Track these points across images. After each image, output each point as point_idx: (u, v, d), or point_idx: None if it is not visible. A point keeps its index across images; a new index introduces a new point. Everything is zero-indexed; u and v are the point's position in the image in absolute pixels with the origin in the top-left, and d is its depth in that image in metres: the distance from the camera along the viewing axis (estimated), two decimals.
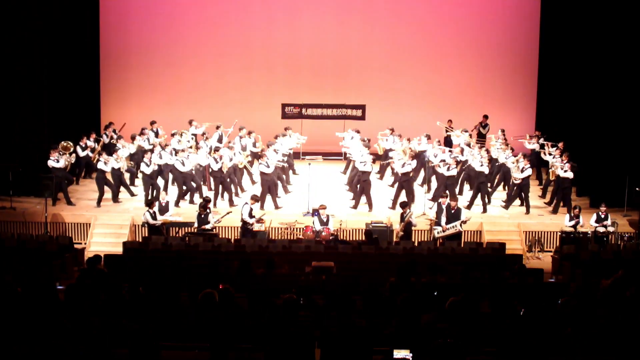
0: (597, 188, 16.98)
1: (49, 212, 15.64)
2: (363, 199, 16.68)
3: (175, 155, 16.95)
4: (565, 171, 16.34)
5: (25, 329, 7.07)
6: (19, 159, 17.12)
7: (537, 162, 18.51)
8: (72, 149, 17.17)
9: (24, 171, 16.95)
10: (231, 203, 16.59)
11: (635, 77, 17.20)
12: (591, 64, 18.16)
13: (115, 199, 16.75)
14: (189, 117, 19.46)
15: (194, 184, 16.96)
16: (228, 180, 16.82)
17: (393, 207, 16.41)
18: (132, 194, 17.27)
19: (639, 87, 17.22)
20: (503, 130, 18.93)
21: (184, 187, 16.88)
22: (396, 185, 16.95)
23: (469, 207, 16.46)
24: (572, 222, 15.14)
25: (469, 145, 18.01)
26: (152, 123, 19.02)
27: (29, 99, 18.03)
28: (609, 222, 15.06)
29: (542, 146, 18.20)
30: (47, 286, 8.93)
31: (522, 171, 16.39)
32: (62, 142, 17.02)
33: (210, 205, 15.33)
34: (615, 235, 15.19)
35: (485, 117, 20.27)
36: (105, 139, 18.50)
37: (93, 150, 17.97)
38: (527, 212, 16.57)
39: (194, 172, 16.99)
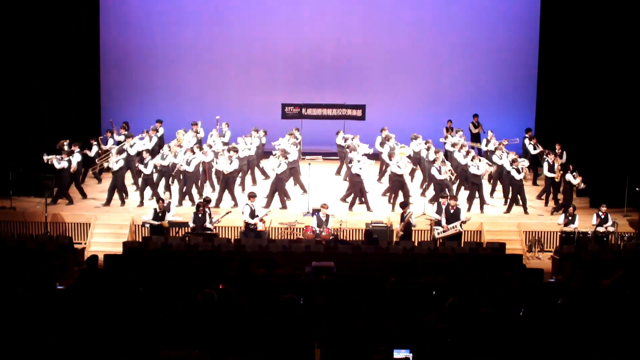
0: (597, 188, 16.98)
1: (49, 212, 15.63)
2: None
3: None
4: (575, 177, 16.37)
5: (25, 329, 7.07)
6: (19, 159, 17.11)
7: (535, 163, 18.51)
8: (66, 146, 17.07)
9: (24, 171, 16.94)
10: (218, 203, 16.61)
11: (635, 77, 17.21)
12: (591, 64, 18.18)
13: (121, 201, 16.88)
14: (189, 117, 19.46)
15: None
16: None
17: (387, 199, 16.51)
18: (84, 196, 17.05)
19: (639, 87, 17.23)
20: (492, 131, 19.04)
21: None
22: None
23: (468, 209, 16.49)
24: (564, 220, 15.14)
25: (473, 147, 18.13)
26: (159, 121, 19.05)
27: (29, 99, 18.05)
28: (610, 222, 15.05)
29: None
30: (47, 286, 8.94)
31: (518, 172, 16.42)
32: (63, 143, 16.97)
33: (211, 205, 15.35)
34: (615, 235, 15.18)
35: (475, 115, 20.34)
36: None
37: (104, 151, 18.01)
38: (525, 212, 16.58)
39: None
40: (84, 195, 17.15)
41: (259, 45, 21.50)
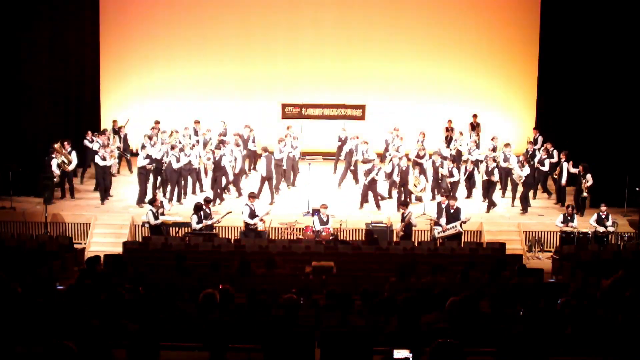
0: (597, 188, 16.98)
1: (49, 212, 15.63)
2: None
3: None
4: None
5: (25, 329, 7.07)
6: (19, 159, 17.11)
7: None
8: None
9: (24, 171, 16.94)
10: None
11: (635, 77, 17.20)
12: (591, 63, 18.16)
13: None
14: (188, 117, 19.47)
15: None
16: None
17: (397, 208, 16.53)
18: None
19: (639, 87, 17.22)
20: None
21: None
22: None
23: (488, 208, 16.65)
24: (562, 220, 15.16)
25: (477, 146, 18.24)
26: (157, 122, 19.01)
27: (29, 99, 18.04)
28: (610, 222, 15.06)
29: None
30: (47, 286, 8.93)
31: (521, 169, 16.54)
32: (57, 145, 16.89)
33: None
34: (615, 235, 15.18)
35: (475, 115, 20.34)
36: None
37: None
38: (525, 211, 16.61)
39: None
40: (70, 194, 17.18)
41: (259, 45, 21.49)
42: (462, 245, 14.41)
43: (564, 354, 7.02)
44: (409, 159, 17.18)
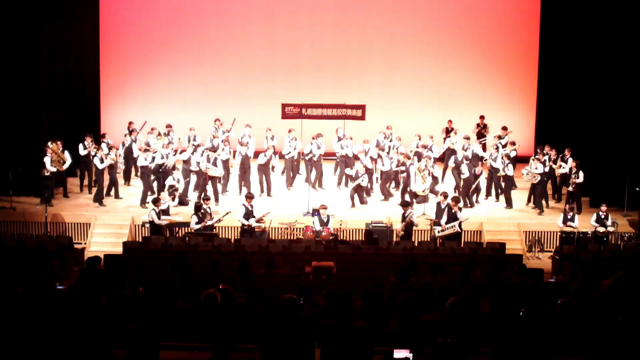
0: (597, 188, 16.98)
1: (49, 212, 15.63)
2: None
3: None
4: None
5: (25, 329, 7.07)
6: (19, 159, 17.11)
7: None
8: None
9: (24, 171, 16.94)
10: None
11: (636, 77, 17.21)
12: (591, 63, 18.17)
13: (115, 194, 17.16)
14: (189, 117, 19.47)
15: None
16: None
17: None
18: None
19: (639, 87, 17.23)
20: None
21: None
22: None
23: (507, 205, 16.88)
24: (563, 220, 15.16)
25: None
26: (168, 126, 18.95)
27: (29, 98, 18.05)
28: (609, 222, 15.06)
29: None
30: (47, 286, 8.94)
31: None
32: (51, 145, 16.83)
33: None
34: (615, 235, 15.18)
35: (482, 117, 20.28)
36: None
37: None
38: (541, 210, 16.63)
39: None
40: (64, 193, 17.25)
41: (259, 45, 21.49)
42: (462, 245, 14.40)
43: (564, 354, 7.03)
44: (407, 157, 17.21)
